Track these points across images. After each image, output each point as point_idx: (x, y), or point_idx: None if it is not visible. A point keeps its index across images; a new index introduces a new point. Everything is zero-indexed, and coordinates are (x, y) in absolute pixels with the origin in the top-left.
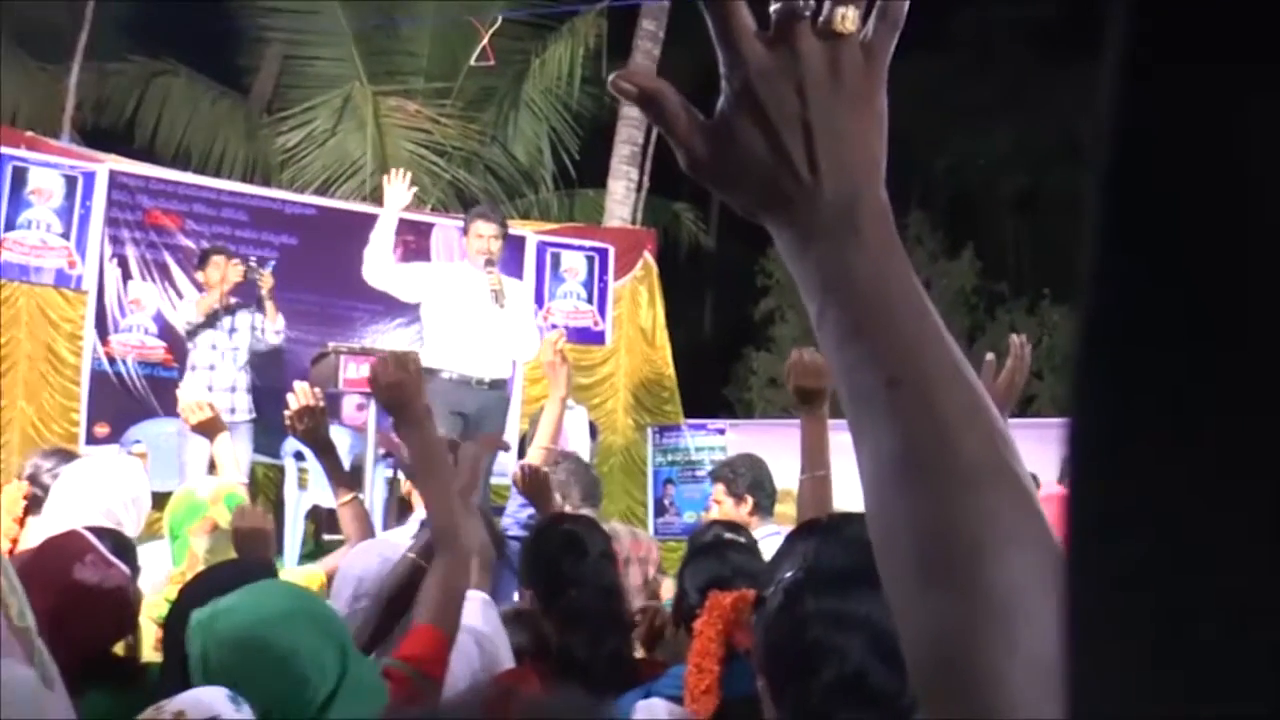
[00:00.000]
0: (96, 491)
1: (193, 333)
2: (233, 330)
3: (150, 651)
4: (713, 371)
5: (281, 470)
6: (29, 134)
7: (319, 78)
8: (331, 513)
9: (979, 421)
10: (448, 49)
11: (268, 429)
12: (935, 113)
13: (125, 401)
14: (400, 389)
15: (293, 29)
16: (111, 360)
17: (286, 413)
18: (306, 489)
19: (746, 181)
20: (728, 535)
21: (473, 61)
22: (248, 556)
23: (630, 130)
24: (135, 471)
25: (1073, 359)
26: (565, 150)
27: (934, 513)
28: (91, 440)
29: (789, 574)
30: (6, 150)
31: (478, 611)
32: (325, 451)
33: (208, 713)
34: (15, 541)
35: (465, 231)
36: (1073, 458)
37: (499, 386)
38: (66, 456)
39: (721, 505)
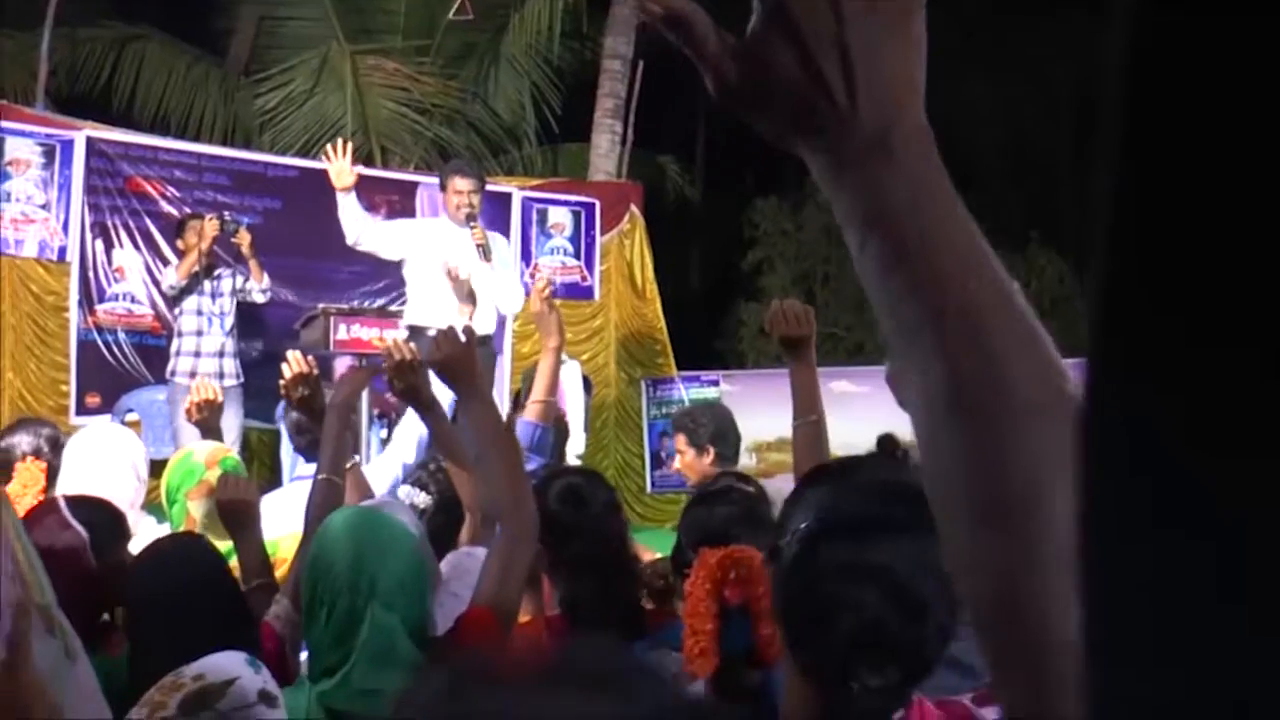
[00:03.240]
0: (99, 464)
1: (176, 299)
2: (217, 294)
3: None
4: (702, 323)
5: (275, 435)
6: (2, 103)
7: (296, 38)
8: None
9: (1032, 352)
10: (425, 6)
11: (260, 393)
12: None
13: (115, 371)
14: (458, 362)
15: None
16: (99, 330)
17: (281, 381)
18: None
19: (779, 106)
20: (728, 484)
21: (451, 16)
22: (232, 527)
23: (613, 84)
24: (133, 445)
25: (1088, 354)
26: (548, 105)
27: (987, 451)
28: (82, 411)
29: (803, 523)
30: None
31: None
32: (321, 420)
33: (227, 676)
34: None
35: (443, 187)
36: (1085, 458)
37: (485, 343)
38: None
39: (684, 456)
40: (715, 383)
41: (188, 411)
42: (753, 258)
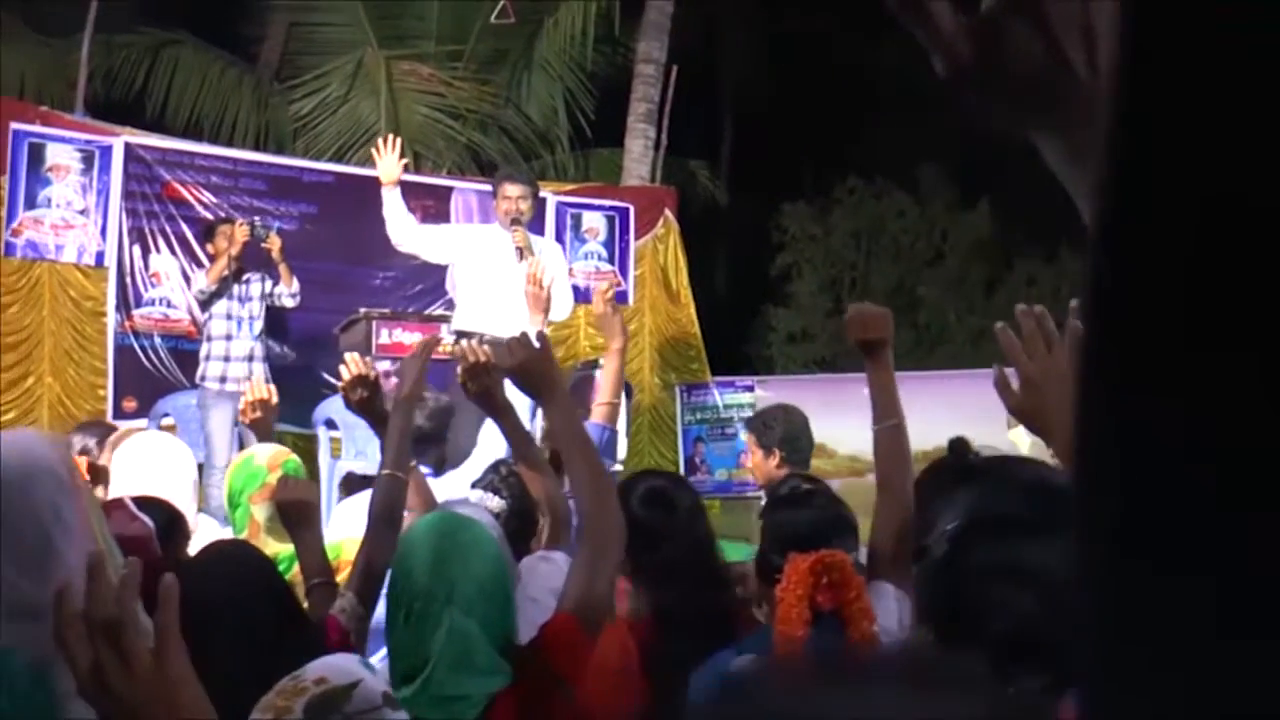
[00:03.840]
0: (158, 476)
1: (206, 303)
2: (246, 299)
3: None
4: (731, 329)
5: (311, 439)
6: (43, 109)
7: (328, 44)
8: (364, 480)
9: None
10: (457, 12)
11: (295, 398)
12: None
13: (151, 376)
14: (535, 368)
15: None
16: (136, 335)
17: (339, 383)
18: (339, 457)
19: (1017, 86)
20: (805, 487)
21: (493, 19)
22: (292, 527)
23: (646, 88)
24: (186, 455)
25: (1078, 372)
26: (580, 110)
27: None
28: (119, 415)
29: (952, 523)
30: (22, 126)
31: (562, 571)
32: (382, 422)
33: (351, 677)
34: None
35: (494, 194)
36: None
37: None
38: (106, 429)
39: (753, 456)
40: (750, 388)
41: (242, 412)
42: (781, 263)
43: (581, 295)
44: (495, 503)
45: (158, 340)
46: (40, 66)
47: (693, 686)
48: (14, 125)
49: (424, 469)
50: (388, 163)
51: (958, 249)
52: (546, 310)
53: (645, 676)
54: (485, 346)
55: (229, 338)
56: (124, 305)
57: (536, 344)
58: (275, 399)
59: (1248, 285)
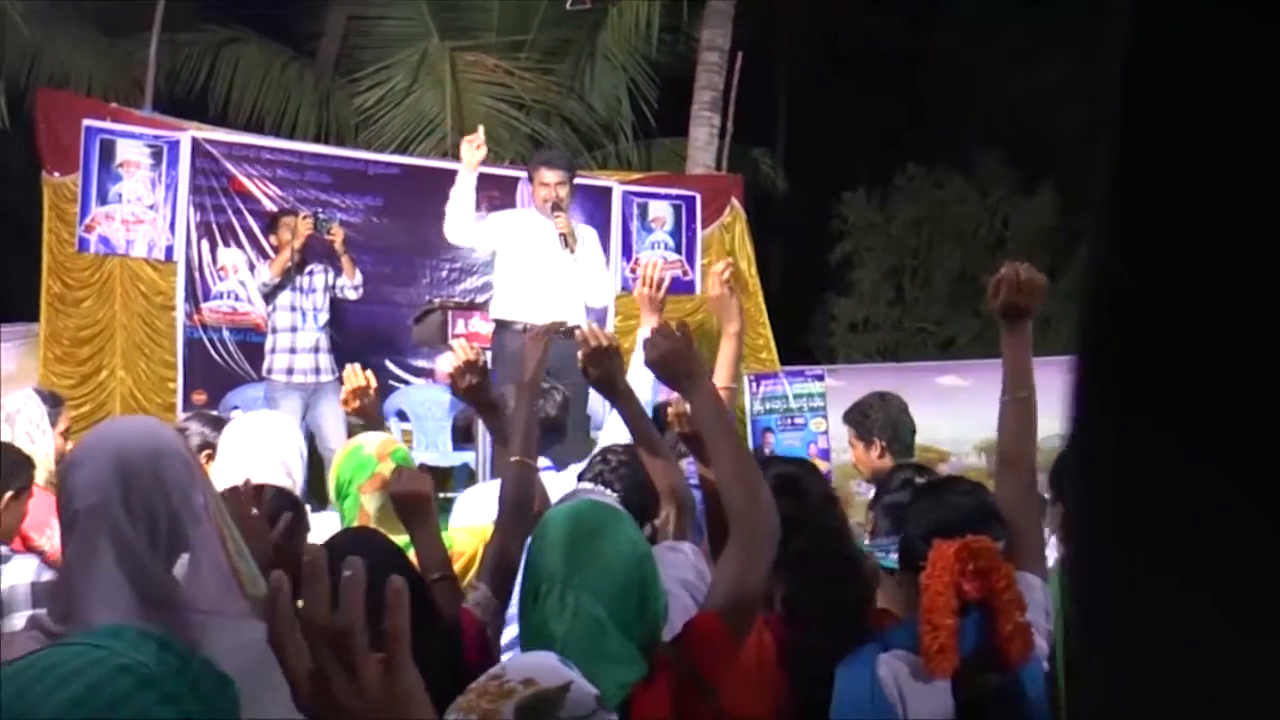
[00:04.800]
0: (270, 449)
1: (270, 295)
2: (309, 290)
3: None
4: (793, 318)
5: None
6: (113, 105)
7: (389, 37)
8: (436, 471)
9: None
10: (519, 2)
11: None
12: (989, 50)
13: (220, 368)
14: (676, 358)
15: None
16: (205, 328)
17: (446, 371)
18: (411, 448)
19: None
20: (917, 479)
21: (569, 6)
22: (408, 521)
23: (711, 76)
24: (295, 428)
25: (1071, 385)
26: (644, 100)
27: None
28: (189, 408)
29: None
30: (94, 123)
31: (689, 562)
32: (490, 410)
33: (561, 678)
34: None
35: (530, 178)
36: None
37: (569, 335)
38: (218, 420)
39: (854, 450)
40: (820, 377)
41: (344, 401)
42: (841, 251)
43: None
44: (608, 495)
45: (226, 333)
46: (107, 66)
47: (839, 684)
48: (86, 122)
49: (544, 462)
50: (470, 150)
51: (1020, 235)
52: (660, 311)
53: (782, 673)
54: (476, 345)
55: (294, 329)
56: (193, 299)
57: (678, 335)
58: (374, 385)
59: (1244, 275)
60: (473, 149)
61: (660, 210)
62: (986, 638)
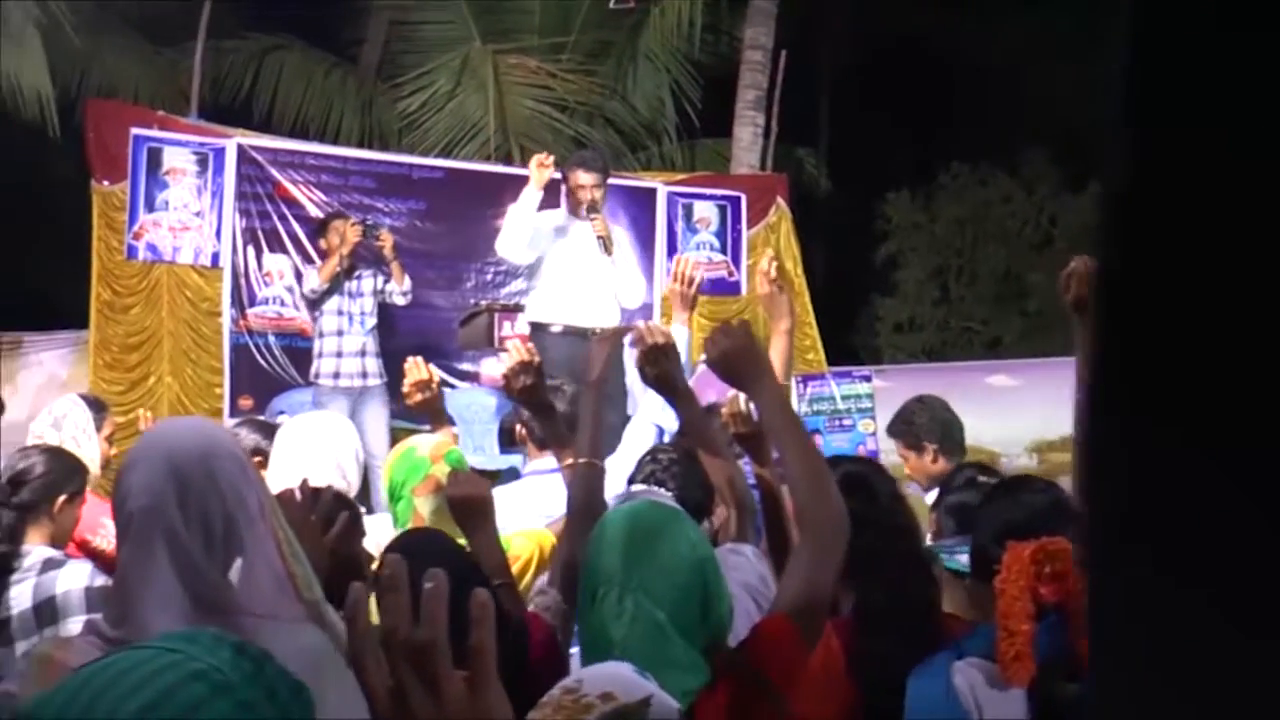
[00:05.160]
0: (324, 450)
1: (317, 300)
2: (357, 294)
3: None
4: (837, 319)
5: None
6: (160, 113)
7: (430, 41)
8: (483, 475)
9: None
10: (560, 4)
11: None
12: (1033, 46)
13: (266, 374)
14: (741, 357)
15: None
16: (250, 334)
17: (501, 373)
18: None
19: None
20: (980, 477)
21: (612, 4)
22: (466, 526)
23: (755, 75)
24: (350, 429)
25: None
26: (687, 100)
27: None
28: (236, 413)
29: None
30: (141, 131)
31: (752, 565)
32: (544, 413)
33: (641, 691)
34: None
35: (564, 179)
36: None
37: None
38: (269, 426)
39: (907, 461)
40: (868, 378)
41: (406, 395)
42: (885, 251)
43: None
44: (664, 495)
45: (272, 339)
46: (154, 75)
47: (913, 692)
48: (134, 130)
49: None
50: (537, 170)
51: (1066, 233)
52: (692, 309)
53: (851, 680)
54: (531, 345)
55: (340, 333)
56: (238, 304)
57: (739, 332)
58: (436, 378)
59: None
60: (540, 168)
61: (705, 211)
62: (1064, 644)
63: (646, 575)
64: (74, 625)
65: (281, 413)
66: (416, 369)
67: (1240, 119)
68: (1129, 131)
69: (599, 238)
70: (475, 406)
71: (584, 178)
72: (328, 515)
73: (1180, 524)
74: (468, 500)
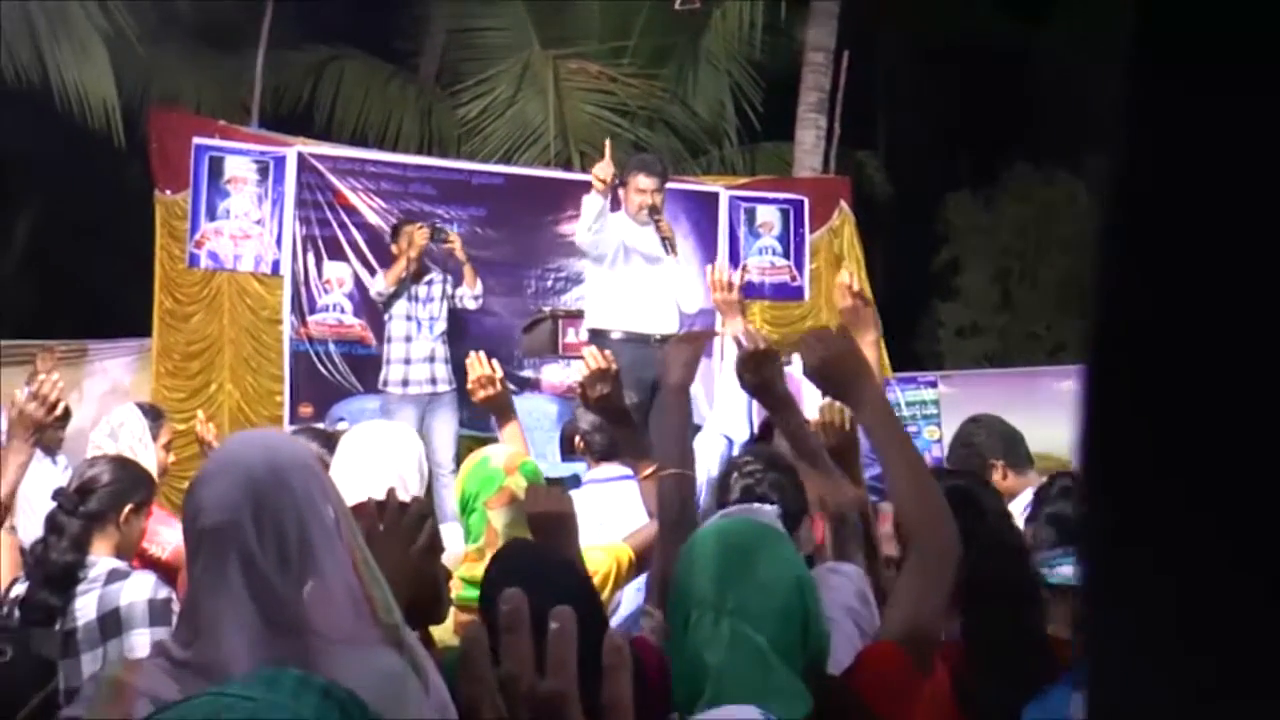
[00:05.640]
0: (385, 460)
1: (386, 304)
2: (426, 300)
3: (447, 634)
4: (898, 324)
5: (490, 443)
6: (221, 123)
7: (489, 48)
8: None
9: None
10: (619, 8)
11: (470, 401)
12: (1099, 45)
13: (326, 381)
14: (842, 364)
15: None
16: (310, 341)
17: (579, 381)
18: None
19: None
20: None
21: (677, 5)
22: (548, 542)
23: (816, 77)
24: (413, 438)
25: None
26: (749, 103)
27: None
28: (295, 421)
29: None
30: (203, 140)
31: (853, 586)
32: (621, 421)
33: None
34: None
35: (623, 183)
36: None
37: (667, 342)
38: (329, 436)
39: None
40: (933, 384)
41: (470, 391)
42: (946, 255)
43: (756, 290)
44: (769, 511)
45: (332, 346)
46: (215, 84)
47: None
48: (196, 140)
49: (618, 471)
50: (601, 167)
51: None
52: (743, 313)
53: (959, 713)
54: (608, 352)
55: (408, 339)
56: (298, 312)
57: (838, 339)
58: (499, 373)
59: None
60: (603, 168)
61: (768, 215)
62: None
63: (743, 596)
64: (138, 638)
65: (341, 420)
66: (479, 364)
67: (1246, 120)
68: (1129, 133)
69: (663, 239)
70: (536, 414)
71: (644, 181)
72: (410, 531)
73: (1188, 532)
74: (550, 518)
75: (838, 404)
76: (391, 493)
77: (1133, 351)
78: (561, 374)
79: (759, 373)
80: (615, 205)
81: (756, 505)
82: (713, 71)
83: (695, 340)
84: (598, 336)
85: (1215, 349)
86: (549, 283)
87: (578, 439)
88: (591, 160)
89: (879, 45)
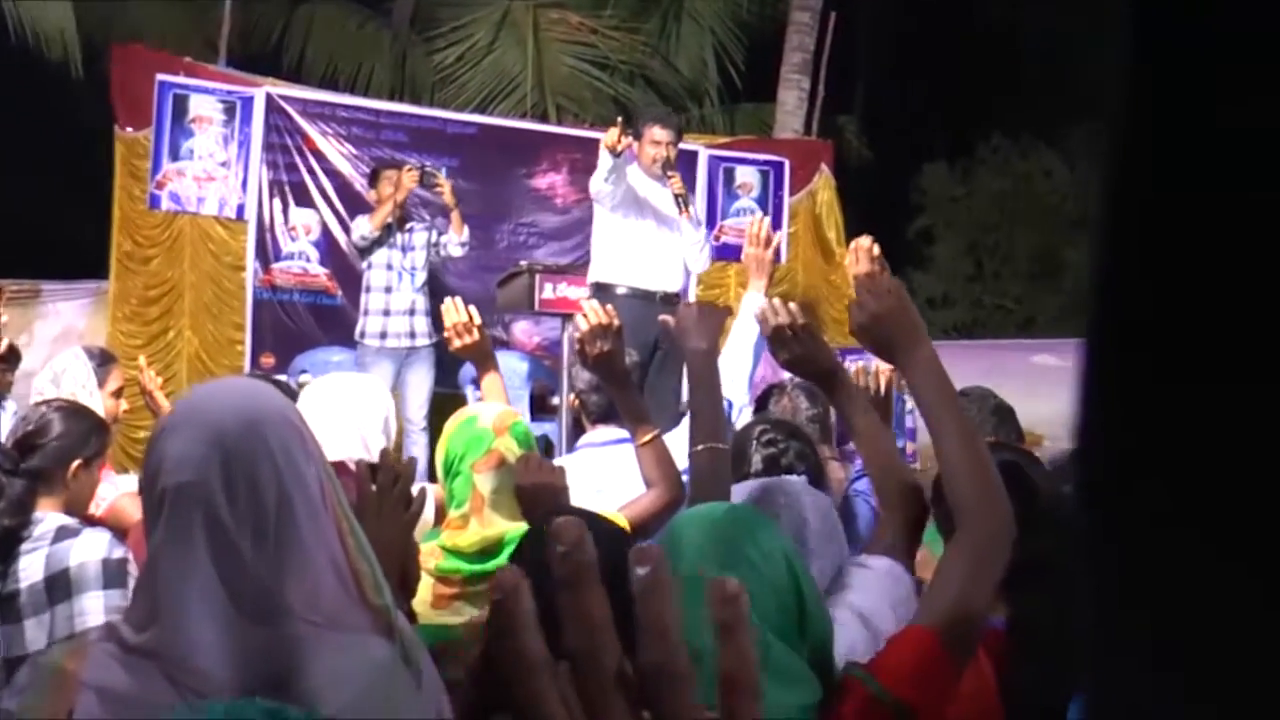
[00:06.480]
0: (347, 417)
1: (366, 250)
2: (408, 248)
3: (424, 608)
4: None
5: (458, 400)
6: (187, 60)
7: None
8: None
9: None
10: None
11: (439, 357)
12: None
13: (289, 331)
14: (891, 320)
15: None
16: (274, 289)
17: (576, 335)
18: None
19: None
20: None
21: None
22: (535, 519)
23: (801, 37)
24: (382, 394)
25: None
26: (731, 63)
27: None
28: (256, 371)
29: None
30: (167, 77)
31: (881, 585)
32: (621, 384)
33: None
34: None
35: (637, 135)
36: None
37: (672, 302)
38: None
39: None
40: None
41: (447, 340)
42: (919, 225)
43: (733, 252)
44: (798, 483)
45: (296, 295)
46: (181, 23)
47: None
48: (159, 76)
49: (615, 435)
50: (610, 134)
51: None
52: (771, 276)
53: (1003, 706)
54: (610, 307)
55: (389, 290)
56: (263, 259)
57: (896, 294)
58: (478, 319)
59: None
60: (612, 135)
61: (747, 176)
62: None
63: (731, 574)
64: (90, 601)
65: (304, 371)
66: (455, 310)
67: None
68: (1129, 119)
69: (677, 196)
70: (506, 371)
71: (659, 133)
72: (404, 498)
73: (1184, 521)
74: (540, 489)
75: (873, 366)
76: (385, 454)
77: (1135, 337)
78: (532, 331)
79: (790, 349)
80: (583, 166)
81: (785, 477)
82: (695, 28)
83: (717, 310)
84: (601, 291)
85: (1218, 340)
86: (521, 238)
87: (573, 399)
88: (568, 113)
89: (860, 10)
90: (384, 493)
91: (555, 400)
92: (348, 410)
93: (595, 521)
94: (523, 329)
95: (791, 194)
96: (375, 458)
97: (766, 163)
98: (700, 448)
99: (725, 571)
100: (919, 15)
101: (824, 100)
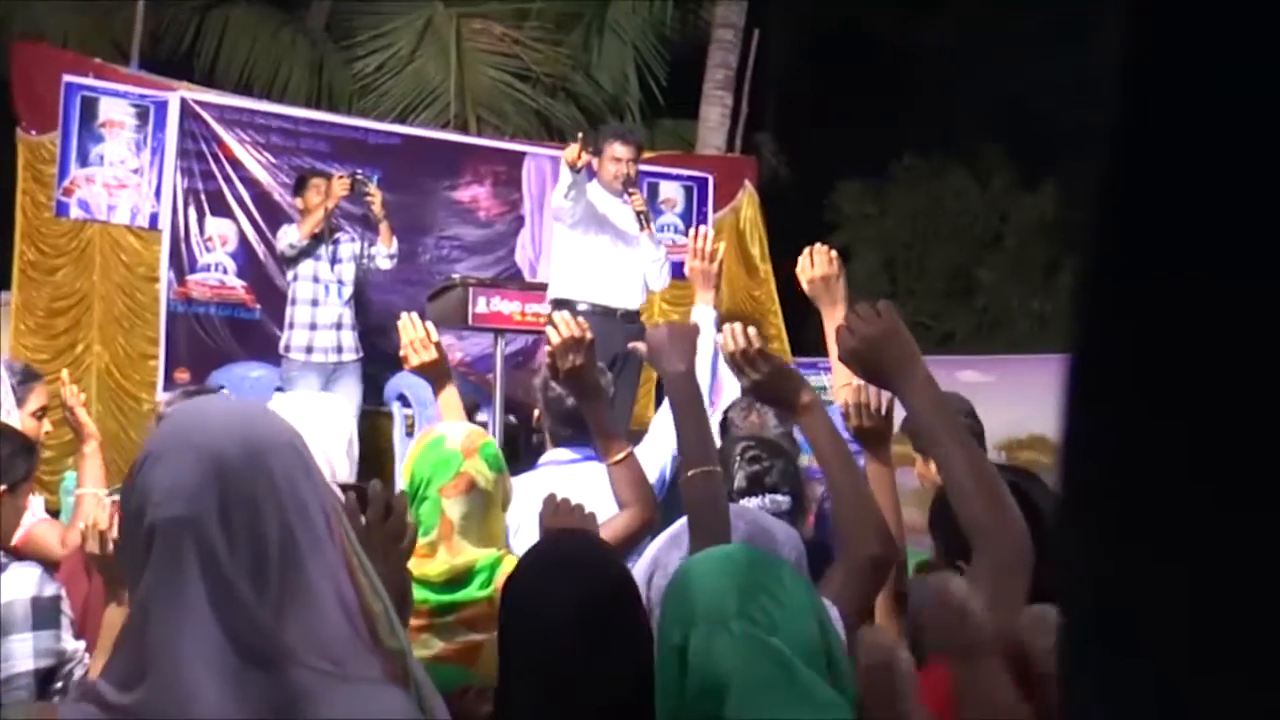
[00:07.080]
0: (310, 438)
1: (291, 261)
2: (336, 260)
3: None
4: (792, 309)
5: (385, 416)
6: (97, 61)
7: (386, 2)
8: None
9: None
10: None
11: (368, 371)
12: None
13: (205, 346)
14: (883, 344)
15: None
16: (189, 302)
17: (546, 348)
18: (414, 435)
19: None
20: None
21: None
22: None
23: (724, 54)
24: (346, 414)
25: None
26: (653, 77)
27: None
28: (170, 387)
29: None
30: (75, 79)
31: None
32: (593, 398)
33: None
34: None
35: (597, 152)
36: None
37: (633, 319)
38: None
39: (915, 465)
40: (830, 369)
41: (403, 358)
42: (835, 242)
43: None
44: (785, 501)
45: (212, 309)
46: (86, 25)
47: None
48: (67, 78)
49: (578, 452)
50: (570, 150)
51: (1019, 230)
52: (716, 288)
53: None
54: (581, 320)
55: (315, 303)
56: (177, 270)
57: (889, 315)
58: (435, 335)
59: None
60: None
61: (671, 191)
62: None
63: (752, 602)
64: (18, 644)
65: (221, 388)
66: (411, 326)
67: (1236, 113)
68: (1118, 125)
69: (638, 213)
70: (429, 387)
71: (620, 150)
72: (400, 528)
73: (1171, 525)
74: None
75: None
76: (376, 483)
77: (1117, 347)
78: (456, 346)
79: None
80: (507, 179)
81: (765, 501)
82: (618, 42)
83: (687, 329)
84: (561, 307)
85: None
86: (444, 251)
87: (535, 415)
88: (489, 125)
89: (773, 29)
90: (375, 527)
91: (483, 416)
92: (311, 431)
93: (597, 556)
94: (446, 344)
95: (715, 210)
96: (340, 479)
97: (690, 178)
98: (692, 473)
99: (742, 600)
100: (832, 35)
101: (746, 117)
